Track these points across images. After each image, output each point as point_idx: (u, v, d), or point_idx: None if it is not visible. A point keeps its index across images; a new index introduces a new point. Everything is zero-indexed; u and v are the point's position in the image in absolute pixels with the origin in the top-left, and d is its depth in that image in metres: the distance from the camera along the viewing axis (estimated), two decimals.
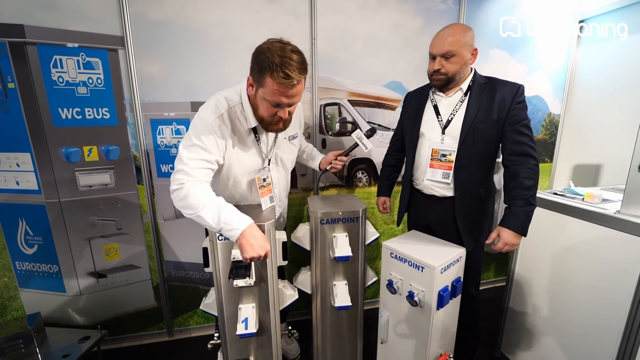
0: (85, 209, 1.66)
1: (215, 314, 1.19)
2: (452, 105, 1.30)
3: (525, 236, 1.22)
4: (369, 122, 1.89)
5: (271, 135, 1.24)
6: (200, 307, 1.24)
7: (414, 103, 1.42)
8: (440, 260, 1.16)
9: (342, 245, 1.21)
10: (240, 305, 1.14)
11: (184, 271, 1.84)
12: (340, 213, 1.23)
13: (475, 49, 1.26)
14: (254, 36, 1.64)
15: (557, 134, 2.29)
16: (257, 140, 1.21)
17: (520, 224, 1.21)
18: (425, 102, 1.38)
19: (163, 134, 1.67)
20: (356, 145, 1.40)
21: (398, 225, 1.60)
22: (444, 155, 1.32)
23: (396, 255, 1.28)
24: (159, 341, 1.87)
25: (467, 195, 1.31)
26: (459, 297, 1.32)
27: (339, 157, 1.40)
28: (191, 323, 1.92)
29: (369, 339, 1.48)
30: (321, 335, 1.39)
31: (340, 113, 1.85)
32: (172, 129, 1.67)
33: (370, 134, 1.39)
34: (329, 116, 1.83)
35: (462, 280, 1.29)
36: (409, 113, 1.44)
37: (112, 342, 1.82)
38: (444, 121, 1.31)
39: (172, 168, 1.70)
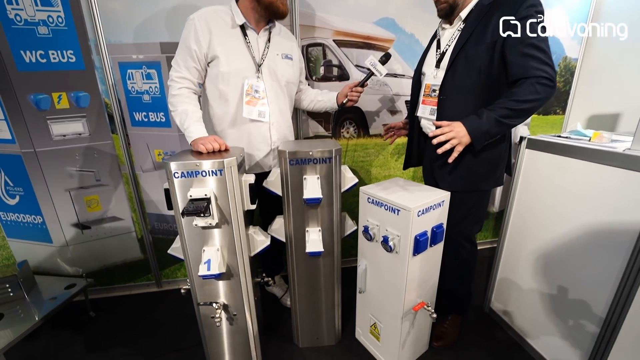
0: (62, 159, 1.62)
1: (182, 257, 1.15)
2: (451, 35, 1.17)
3: (474, 144, 1.06)
4: (356, 66, 1.72)
5: (261, 41, 1.30)
6: (168, 251, 1.21)
7: (429, 44, 1.32)
8: (417, 202, 1.07)
9: (311, 187, 1.12)
10: (204, 247, 1.10)
11: (167, 224, 1.82)
12: (310, 153, 1.12)
13: None
14: None
15: (572, 81, 2.06)
16: (247, 42, 1.26)
17: (474, 124, 1.04)
18: (434, 39, 1.28)
19: (133, 79, 1.57)
20: (371, 73, 1.35)
21: (404, 168, 1.51)
22: (433, 91, 1.22)
23: (373, 200, 1.19)
24: (148, 291, 1.91)
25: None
26: (440, 245, 1.24)
27: (354, 89, 1.39)
28: (179, 275, 1.94)
29: (354, 294, 1.44)
30: (297, 284, 1.35)
31: (324, 55, 1.68)
32: (142, 73, 1.56)
33: (385, 59, 1.34)
34: (312, 59, 1.68)
35: (444, 226, 1.20)
36: (421, 55, 1.34)
37: (103, 292, 1.87)
38: (440, 54, 1.20)
39: (146, 116, 1.65)
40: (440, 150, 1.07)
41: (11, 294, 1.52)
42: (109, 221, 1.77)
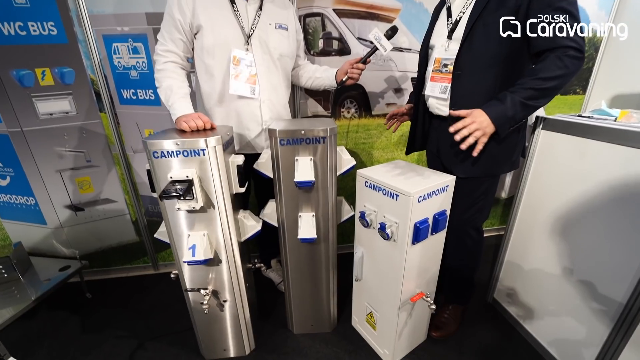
0: (50, 139, 1.56)
1: (168, 241, 1.10)
2: (465, 1, 1.04)
3: (498, 132, 0.95)
4: (358, 39, 1.58)
5: (251, 9, 1.18)
6: (155, 235, 1.15)
7: (435, 13, 1.19)
8: (418, 187, 0.97)
9: (303, 169, 1.04)
10: (189, 232, 1.04)
11: None
12: (302, 132, 1.03)
13: None
14: None
15: (596, 57, 1.88)
16: (234, 11, 1.15)
17: (498, 110, 0.93)
18: (442, 6, 1.14)
19: (119, 53, 1.47)
20: (375, 49, 1.23)
21: (407, 153, 1.37)
22: (445, 66, 1.08)
23: (370, 184, 1.10)
24: (144, 274, 1.90)
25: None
26: (442, 233, 1.15)
27: (355, 65, 1.27)
28: None
29: (351, 280, 1.38)
30: (291, 271, 1.30)
31: (324, 27, 1.55)
32: (128, 47, 1.46)
33: (390, 33, 1.21)
34: (310, 31, 1.55)
35: (447, 214, 1.11)
36: (428, 26, 1.21)
37: (100, 274, 1.86)
38: (453, 23, 1.06)
39: (135, 94, 1.56)
40: (463, 146, 0.95)
41: (5, 275, 1.51)
42: (102, 203, 1.73)
